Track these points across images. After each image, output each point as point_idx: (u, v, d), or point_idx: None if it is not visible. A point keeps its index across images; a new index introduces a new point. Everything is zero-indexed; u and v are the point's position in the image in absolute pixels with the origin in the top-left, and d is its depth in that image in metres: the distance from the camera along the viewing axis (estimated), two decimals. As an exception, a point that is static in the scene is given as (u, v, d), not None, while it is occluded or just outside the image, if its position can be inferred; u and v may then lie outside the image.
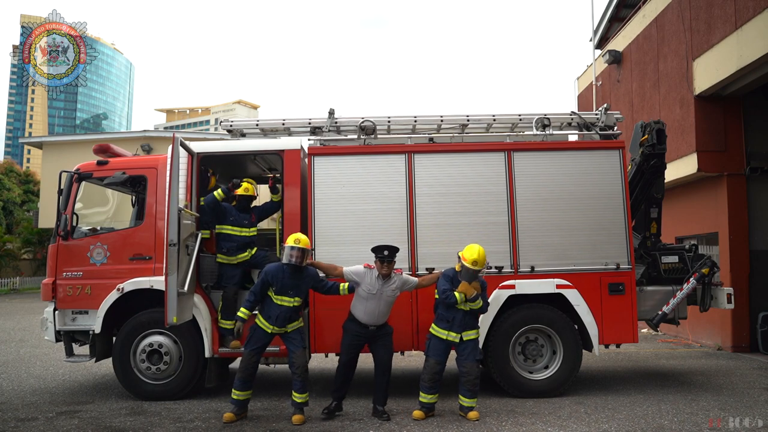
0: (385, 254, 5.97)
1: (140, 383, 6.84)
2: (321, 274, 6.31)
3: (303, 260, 5.96)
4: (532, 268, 6.83)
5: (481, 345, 6.65)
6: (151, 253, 6.95)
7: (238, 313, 6.07)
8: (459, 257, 5.98)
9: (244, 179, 7.31)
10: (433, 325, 6.07)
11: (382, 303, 5.98)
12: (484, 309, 6.06)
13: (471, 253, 5.88)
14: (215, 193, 6.85)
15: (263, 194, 7.77)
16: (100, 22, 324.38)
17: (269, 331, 5.96)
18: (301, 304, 6.11)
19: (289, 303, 5.94)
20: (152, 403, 6.67)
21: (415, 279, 6.33)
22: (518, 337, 6.80)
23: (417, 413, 5.94)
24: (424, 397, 5.97)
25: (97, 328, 6.81)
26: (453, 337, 5.94)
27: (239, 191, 7.09)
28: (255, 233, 7.20)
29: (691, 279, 7.08)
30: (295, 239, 5.97)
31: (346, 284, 6.14)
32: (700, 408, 6.25)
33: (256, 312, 6.13)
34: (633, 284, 6.90)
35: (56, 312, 7.00)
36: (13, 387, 7.77)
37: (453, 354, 6.10)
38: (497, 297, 6.71)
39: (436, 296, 6.06)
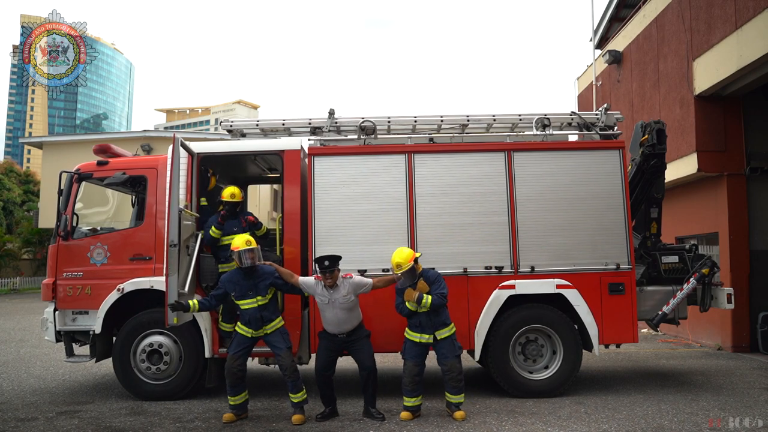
0: (325, 264, 5.88)
1: (140, 383, 6.85)
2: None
3: (256, 260, 5.98)
4: (532, 268, 6.83)
5: (481, 345, 6.69)
6: (151, 254, 6.95)
7: (190, 301, 6.02)
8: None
9: (230, 186, 7.18)
10: (406, 329, 6.07)
11: (338, 311, 5.94)
12: (437, 302, 5.84)
13: (394, 257, 5.91)
14: (210, 232, 6.83)
15: (263, 196, 7.74)
16: (100, 22, 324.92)
17: (249, 335, 5.98)
18: (270, 303, 6.06)
19: (253, 304, 5.95)
20: (152, 403, 6.67)
21: (370, 281, 6.16)
22: (518, 337, 6.79)
23: (404, 414, 5.94)
24: (408, 401, 5.97)
25: (98, 328, 6.82)
26: (426, 338, 5.94)
27: (225, 197, 6.95)
28: None
29: (691, 279, 7.08)
30: (245, 241, 5.98)
31: None
32: (700, 408, 6.25)
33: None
34: (633, 284, 6.90)
35: (56, 312, 7.00)
36: (13, 387, 7.77)
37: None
38: (497, 297, 6.71)
39: None
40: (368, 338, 6.14)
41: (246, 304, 5.96)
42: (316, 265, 5.98)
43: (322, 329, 6.13)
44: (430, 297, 5.83)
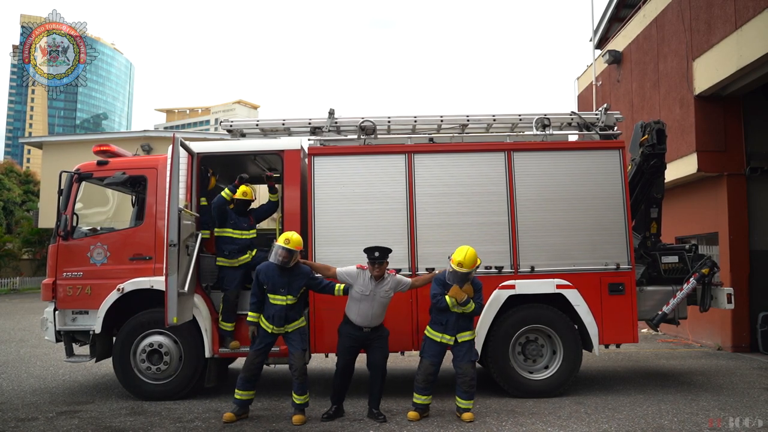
0: (375, 255, 5.89)
1: (140, 383, 6.84)
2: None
3: (290, 261, 5.92)
4: (532, 268, 6.83)
5: (481, 345, 6.68)
6: (151, 253, 6.95)
7: (248, 318, 6.09)
8: (449, 260, 5.94)
9: (243, 184, 7.16)
10: (428, 327, 6.05)
11: (376, 304, 5.93)
12: (476, 311, 5.98)
13: (458, 254, 5.83)
14: (223, 193, 6.82)
15: (263, 195, 7.75)
16: (100, 22, 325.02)
17: (270, 330, 5.96)
18: (298, 303, 6.06)
19: (282, 301, 5.93)
20: (152, 403, 6.67)
21: (409, 280, 6.25)
22: (518, 337, 6.80)
23: (411, 414, 5.93)
24: (418, 398, 5.96)
25: (98, 328, 6.82)
26: (447, 339, 5.92)
27: (237, 195, 6.99)
28: (254, 235, 7.18)
29: (691, 279, 7.09)
30: (285, 239, 5.93)
31: (342, 285, 6.11)
32: (700, 408, 6.25)
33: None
34: (633, 284, 6.90)
35: (56, 312, 7.00)
36: (13, 387, 7.77)
37: (450, 354, 6.07)
38: (497, 297, 6.71)
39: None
40: (387, 338, 6.12)
41: (275, 299, 5.93)
42: (366, 255, 5.94)
43: (344, 322, 6.05)
44: (473, 304, 5.86)
